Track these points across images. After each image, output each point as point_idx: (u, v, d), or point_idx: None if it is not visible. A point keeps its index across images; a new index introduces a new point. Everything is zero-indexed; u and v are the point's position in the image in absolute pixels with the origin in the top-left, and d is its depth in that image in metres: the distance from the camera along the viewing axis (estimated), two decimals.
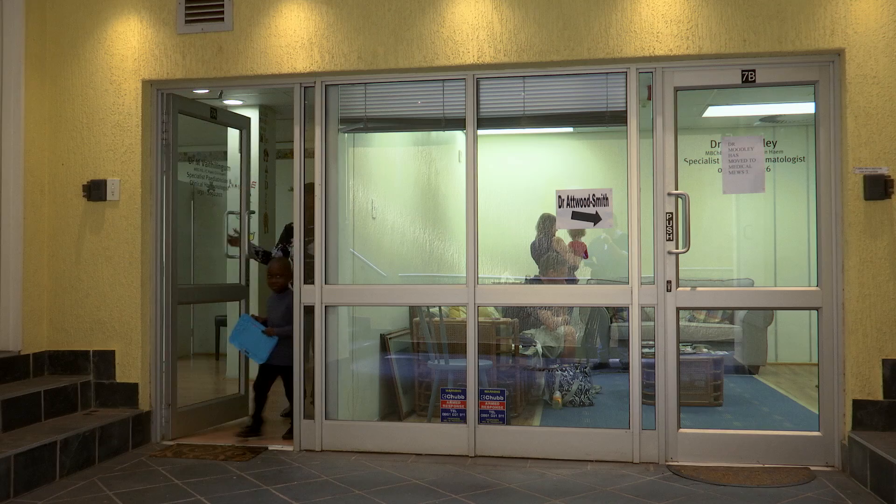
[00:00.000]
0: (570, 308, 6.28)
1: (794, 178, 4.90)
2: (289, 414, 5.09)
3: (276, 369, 5.05)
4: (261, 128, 7.10)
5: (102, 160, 4.81)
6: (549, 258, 5.82)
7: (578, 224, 4.55)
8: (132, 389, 4.77)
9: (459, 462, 4.39)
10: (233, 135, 5.89)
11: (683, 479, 4.02)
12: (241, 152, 5.77)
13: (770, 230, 7.02)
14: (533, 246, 5.94)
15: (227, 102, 6.86)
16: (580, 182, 4.91)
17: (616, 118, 4.50)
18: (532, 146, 6.95)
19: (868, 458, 3.80)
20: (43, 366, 4.83)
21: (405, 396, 5.51)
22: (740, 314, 7.27)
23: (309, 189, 4.78)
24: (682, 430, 4.35)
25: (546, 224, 5.84)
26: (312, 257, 4.74)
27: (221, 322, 7.32)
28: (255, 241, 6.36)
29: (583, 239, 5.93)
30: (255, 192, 5.63)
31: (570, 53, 4.36)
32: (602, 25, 4.34)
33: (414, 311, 5.57)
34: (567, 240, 5.96)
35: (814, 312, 4.34)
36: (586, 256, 5.92)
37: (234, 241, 5.54)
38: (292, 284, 4.85)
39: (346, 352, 5.07)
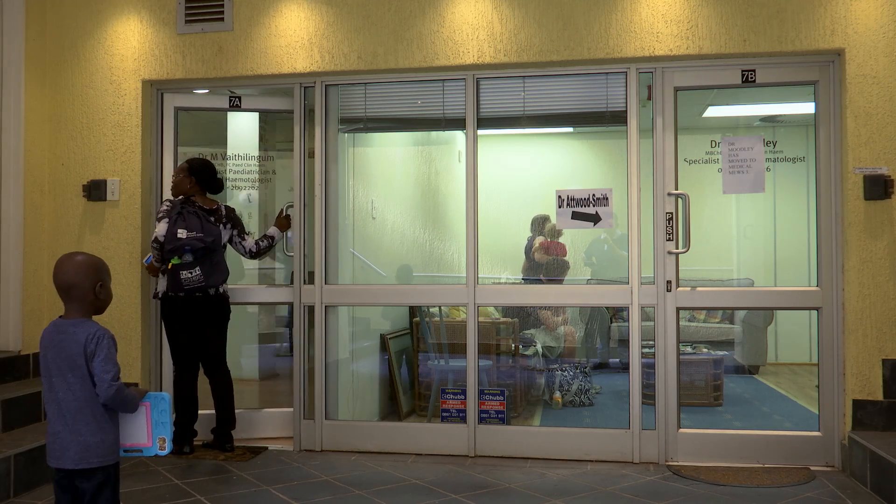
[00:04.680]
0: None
1: (794, 178, 4.89)
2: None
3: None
4: (261, 128, 7.10)
5: (102, 160, 4.82)
6: (528, 264, 5.85)
7: (578, 224, 4.55)
8: None
9: (459, 462, 4.39)
10: (233, 134, 5.86)
11: (683, 479, 4.02)
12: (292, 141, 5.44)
13: (770, 230, 7.01)
14: (526, 246, 5.95)
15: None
16: (580, 182, 4.91)
17: (616, 118, 4.50)
18: (532, 146, 6.94)
19: (868, 458, 3.80)
20: None
21: (405, 396, 5.51)
22: (740, 314, 7.26)
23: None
24: (682, 430, 4.35)
25: (536, 224, 5.85)
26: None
27: None
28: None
29: (573, 240, 5.88)
30: (255, 193, 5.60)
31: (570, 53, 4.36)
32: (602, 25, 4.34)
33: (414, 311, 5.57)
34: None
35: (814, 312, 4.34)
36: (564, 255, 5.83)
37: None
38: None
39: (346, 352, 5.07)
